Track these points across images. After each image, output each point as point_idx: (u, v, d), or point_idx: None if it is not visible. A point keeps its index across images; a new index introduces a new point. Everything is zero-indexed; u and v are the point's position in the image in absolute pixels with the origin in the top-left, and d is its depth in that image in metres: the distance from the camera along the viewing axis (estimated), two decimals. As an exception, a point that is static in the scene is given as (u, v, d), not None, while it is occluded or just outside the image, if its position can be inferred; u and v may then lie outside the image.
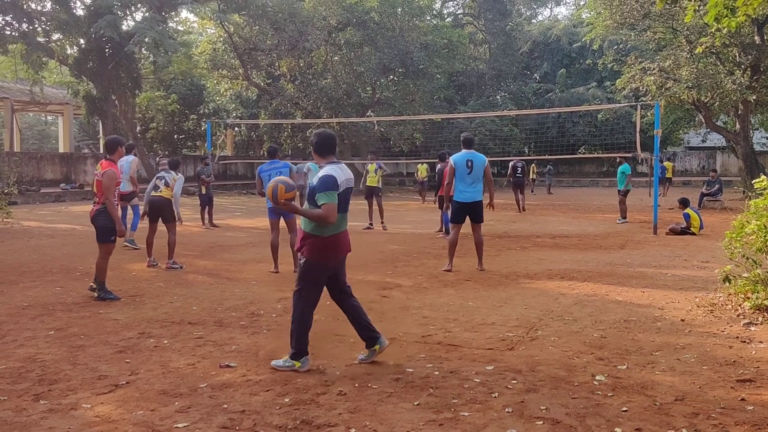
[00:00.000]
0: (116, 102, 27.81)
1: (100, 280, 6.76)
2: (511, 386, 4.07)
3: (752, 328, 5.43)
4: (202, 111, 36.34)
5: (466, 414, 3.63)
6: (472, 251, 8.98)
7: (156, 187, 8.89)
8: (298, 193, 5.00)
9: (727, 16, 7.83)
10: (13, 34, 24.41)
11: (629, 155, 15.57)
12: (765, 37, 20.00)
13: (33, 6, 25.58)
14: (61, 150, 32.59)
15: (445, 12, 43.30)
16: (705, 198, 18.97)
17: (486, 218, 8.71)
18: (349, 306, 4.67)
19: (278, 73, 32.77)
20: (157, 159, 14.49)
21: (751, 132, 25.43)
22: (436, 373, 4.33)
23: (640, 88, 21.07)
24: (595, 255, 9.93)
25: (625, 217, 15.05)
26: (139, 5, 27.08)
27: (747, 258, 6.17)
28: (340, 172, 4.46)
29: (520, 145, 35.13)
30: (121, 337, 5.29)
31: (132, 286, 7.46)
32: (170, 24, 29.92)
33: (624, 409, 3.69)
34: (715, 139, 36.61)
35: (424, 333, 5.36)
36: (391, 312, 6.14)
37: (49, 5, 25.78)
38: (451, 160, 8.52)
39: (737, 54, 21.05)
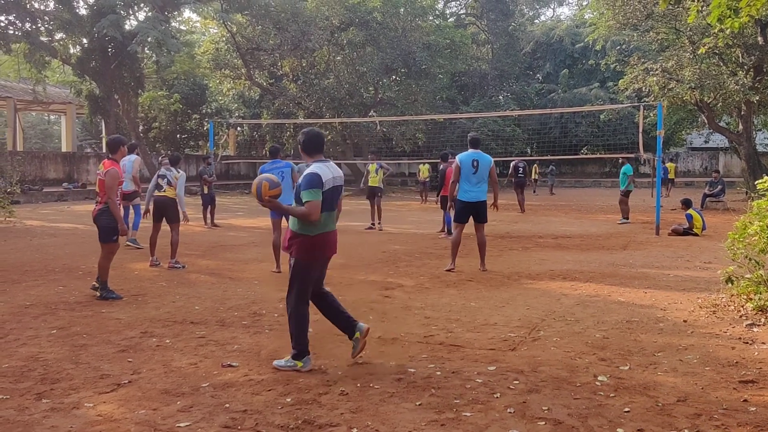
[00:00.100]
0: (119, 101, 27.87)
1: (103, 280, 6.77)
2: (513, 387, 4.07)
3: (755, 329, 5.42)
4: (204, 111, 36.41)
5: (468, 414, 3.63)
6: (474, 251, 8.97)
7: (159, 187, 8.85)
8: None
9: (730, 16, 7.79)
10: (17, 33, 24.45)
11: (632, 156, 15.55)
12: (768, 38, 19.97)
13: (36, 5, 25.62)
14: (63, 149, 32.66)
15: (447, 12, 43.18)
16: (708, 199, 18.92)
17: (488, 219, 8.71)
18: (326, 305, 4.69)
19: (281, 73, 32.75)
20: (160, 159, 14.50)
21: (753, 133, 25.41)
22: (438, 373, 4.33)
23: (643, 88, 21.03)
24: (598, 255, 9.92)
25: (626, 218, 15.03)
26: (142, 5, 27.17)
27: (750, 259, 6.17)
28: (327, 170, 4.47)
29: (522, 145, 35.10)
30: (123, 336, 5.30)
31: (134, 286, 7.47)
32: (173, 24, 30.00)
33: (626, 409, 3.69)
34: (718, 140, 36.53)
35: (426, 333, 5.36)
36: (393, 312, 6.14)
37: (52, 5, 25.85)
38: (457, 159, 8.52)
39: (740, 55, 21.01)
